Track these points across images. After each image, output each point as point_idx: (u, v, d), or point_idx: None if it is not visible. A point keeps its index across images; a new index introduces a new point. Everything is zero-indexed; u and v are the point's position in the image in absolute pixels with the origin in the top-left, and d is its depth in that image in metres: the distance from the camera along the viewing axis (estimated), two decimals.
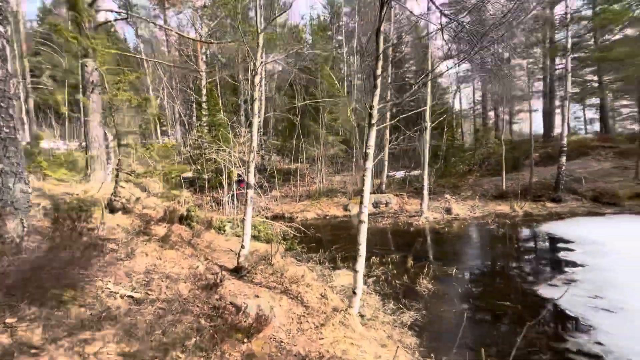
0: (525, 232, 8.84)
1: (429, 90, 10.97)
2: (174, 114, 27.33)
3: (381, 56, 3.89)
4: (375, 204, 13.67)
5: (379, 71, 3.89)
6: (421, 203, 11.32)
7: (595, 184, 12.53)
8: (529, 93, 17.18)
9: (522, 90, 24.89)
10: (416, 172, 18.64)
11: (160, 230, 6.56)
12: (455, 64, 4.62)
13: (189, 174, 19.34)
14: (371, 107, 3.89)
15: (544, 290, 4.88)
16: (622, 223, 8.77)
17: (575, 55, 18.53)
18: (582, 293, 4.64)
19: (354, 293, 3.93)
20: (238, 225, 9.70)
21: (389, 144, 15.66)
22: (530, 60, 25.96)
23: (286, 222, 11.46)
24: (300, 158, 18.08)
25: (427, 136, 11.21)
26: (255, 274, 5.25)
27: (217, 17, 18.82)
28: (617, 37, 18.60)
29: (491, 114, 30.53)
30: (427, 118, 10.94)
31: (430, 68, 12.56)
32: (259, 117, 5.62)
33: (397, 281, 5.60)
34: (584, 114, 27.78)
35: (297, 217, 13.20)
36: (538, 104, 26.21)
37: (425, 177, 11.24)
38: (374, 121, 3.91)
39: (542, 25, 19.62)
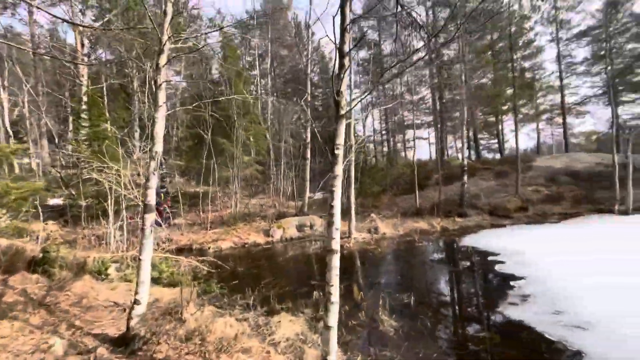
0: (452, 247, 9.02)
1: (351, 106, 10.82)
2: (39, 128, 21.53)
3: (349, 28, 2.98)
4: (300, 227, 12.62)
5: (346, 47, 2.95)
6: (349, 224, 10.78)
7: (488, 200, 14.26)
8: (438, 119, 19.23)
9: (414, 119, 28.49)
10: None
11: None
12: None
13: (58, 201, 14.91)
14: (338, 94, 2.90)
15: (509, 311, 4.53)
16: (523, 232, 9.86)
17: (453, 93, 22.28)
18: (543, 309, 4.44)
19: None
20: (129, 266, 7.25)
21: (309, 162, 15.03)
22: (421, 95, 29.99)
23: (196, 256, 9.33)
24: (210, 180, 15.89)
25: (353, 155, 10.92)
26: (159, 343, 3.44)
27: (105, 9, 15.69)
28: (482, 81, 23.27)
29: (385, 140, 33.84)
30: (352, 136, 10.69)
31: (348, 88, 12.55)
32: (165, 110, 4.04)
33: (353, 321, 4.52)
34: (455, 143, 32.77)
35: (209, 248, 11.08)
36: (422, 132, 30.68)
37: (352, 197, 10.82)
38: (342, 112, 2.91)
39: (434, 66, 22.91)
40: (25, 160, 20.88)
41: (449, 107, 22.52)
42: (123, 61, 16.76)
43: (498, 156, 26.33)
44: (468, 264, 7.42)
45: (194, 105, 6.08)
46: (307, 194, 14.79)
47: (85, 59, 18.13)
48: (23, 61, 20.44)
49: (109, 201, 9.65)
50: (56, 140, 20.30)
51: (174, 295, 5.89)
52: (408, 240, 10.19)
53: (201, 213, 15.10)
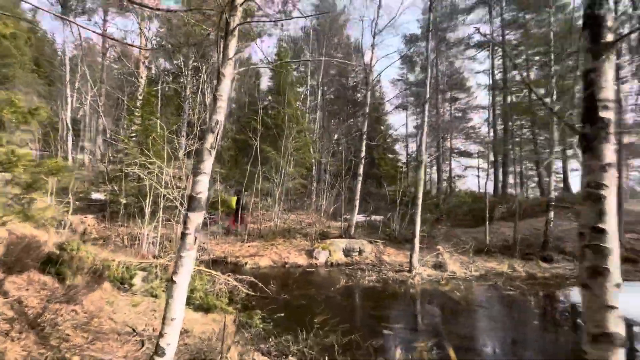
0: (560, 303, 6.88)
1: (425, 119, 9.27)
2: (97, 126, 22.52)
3: None
4: (347, 252, 11.00)
5: None
6: (411, 254, 8.97)
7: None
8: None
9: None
10: (377, 217, 16.59)
11: None
12: None
13: (100, 196, 14.65)
14: (599, 3, 1.41)
15: None
16: None
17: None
18: None
19: None
20: (157, 276, 6.06)
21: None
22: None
23: (231, 272, 8.02)
24: (250, 190, 14.91)
25: (422, 173, 9.26)
26: None
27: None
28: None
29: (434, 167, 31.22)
30: (423, 149, 9.09)
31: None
32: (233, 68, 2.82)
33: None
34: (515, 178, 28.66)
35: (245, 264, 9.77)
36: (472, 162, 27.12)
37: (418, 221, 9.05)
38: (610, 38, 1.40)
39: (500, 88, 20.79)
40: (80, 156, 21.53)
41: (515, 134, 20.11)
42: (178, 46, 16.61)
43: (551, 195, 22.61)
44: None
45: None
46: (356, 215, 13.20)
47: (146, 61, 18.49)
48: (93, 67, 21.58)
49: (147, 199, 8.80)
50: (107, 134, 20.78)
51: (208, 325, 4.53)
52: (490, 285, 8.14)
53: (239, 223, 14.02)
